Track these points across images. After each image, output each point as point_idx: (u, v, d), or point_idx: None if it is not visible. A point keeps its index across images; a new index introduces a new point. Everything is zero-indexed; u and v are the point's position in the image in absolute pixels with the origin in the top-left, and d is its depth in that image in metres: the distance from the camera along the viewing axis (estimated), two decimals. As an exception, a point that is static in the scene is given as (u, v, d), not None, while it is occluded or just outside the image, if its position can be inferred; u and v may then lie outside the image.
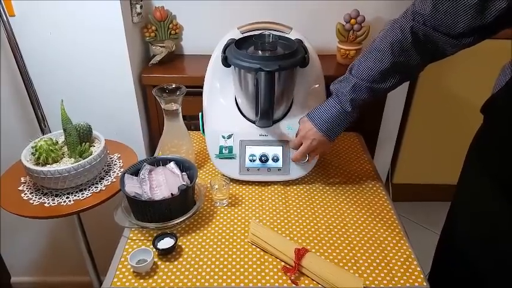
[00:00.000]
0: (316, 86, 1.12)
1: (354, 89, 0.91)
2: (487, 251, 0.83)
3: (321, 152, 1.06)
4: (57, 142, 1.11)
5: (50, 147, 1.05)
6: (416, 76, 0.92)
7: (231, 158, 1.09)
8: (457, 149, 0.92)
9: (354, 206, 1.03)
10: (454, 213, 0.95)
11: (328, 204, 1.04)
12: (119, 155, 1.22)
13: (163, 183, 0.97)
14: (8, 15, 1.16)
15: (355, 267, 0.86)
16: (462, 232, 0.91)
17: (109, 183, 1.11)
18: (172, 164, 1.02)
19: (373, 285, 0.82)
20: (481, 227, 0.84)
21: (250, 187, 1.10)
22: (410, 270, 0.85)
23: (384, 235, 0.94)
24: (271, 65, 0.94)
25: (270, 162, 1.09)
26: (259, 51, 1.02)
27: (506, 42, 1.16)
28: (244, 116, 1.12)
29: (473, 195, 0.87)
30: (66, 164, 1.05)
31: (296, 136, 1.05)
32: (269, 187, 1.10)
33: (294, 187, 1.10)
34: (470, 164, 0.89)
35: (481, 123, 0.86)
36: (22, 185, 1.10)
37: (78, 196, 1.05)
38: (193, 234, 0.94)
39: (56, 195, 1.05)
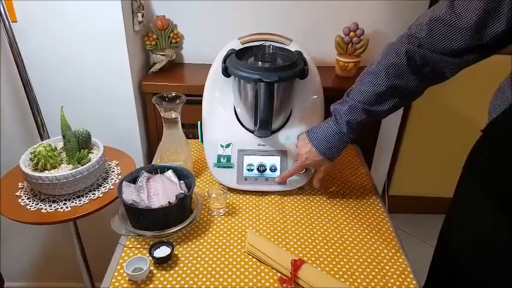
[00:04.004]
0: (315, 97, 1.13)
1: (350, 111, 0.92)
2: (482, 265, 0.84)
3: (320, 172, 1.05)
4: (55, 148, 1.11)
5: (49, 153, 1.05)
6: (417, 98, 0.92)
7: (229, 167, 1.09)
8: (454, 162, 0.93)
9: (351, 218, 1.04)
10: (449, 227, 0.95)
11: (325, 215, 1.04)
12: (117, 162, 1.23)
13: (160, 191, 0.97)
14: (10, 20, 1.16)
15: (351, 279, 0.86)
16: (457, 246, 0.91)
17: (106, 190, 1.11)
18: (170, 172, 1.03)
19: (368, 298, 0.82)
20: (477, 241, 0.85)
21: (248, 197, 1.10)
22: (406, 283, 0.85)
23: (380, 247, 0.94)
24: (270, 76, 0.95)
25: (268, 172, 1.09)
26: (259, 62, 1.03)
27: (503, 56, 1.18)
28: (243, 125, 1.12)
29: (472, 211, 0.87)
30: (65, 170, 1.05)
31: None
32: (266, 197, 1.10)
33: (291, 197, 1.10)
34: (468, 180, 0.89)
35: (477, 139, 0.86)
36: (19, 191, 1.10)
37: (76, 203, 1.05)
38: (190, 243, 0.94)
39: (53, 201, 1.05)
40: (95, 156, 1.11)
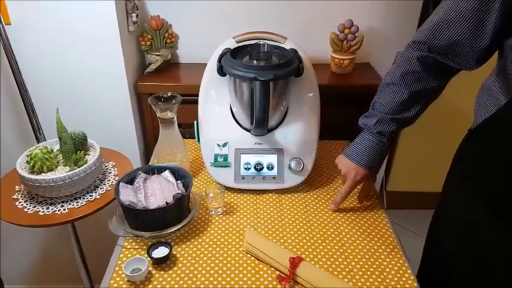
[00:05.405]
0: (311, 94, 1.13)
1: (378, 123, 0.94)
2: (472, 266, 0.84)
3: (368, 186, 1.04)
4: (52, 150, 1.11)
5: (45, 156, 1.05)
6: (440, 94, 0.94)
7: (226, 166, 1.09)
8: (450, 158, 0.93)
9: (348, 215, 1.04)
10: (438, 227, 0.95)
11: (323, 212, 1.05)
12: (114, 163, 1.23)
13: (158, 192, 0.97)
14: (4, 23, 1.16)
15: (349, 276, 0.86)
16: (446, 246, 0.91)
17: (104, 191, 1.11)
18: (167, 173, 1.03)
19: (367, 294, 0.83)
20: (467, 242, 0.85)
21: (245, 195, 1.10)
22: (404, 278, 0.86)
23: (378, 243, 0.95)
24: (266, 75, 0.95)
25: (265, 171, 1.09)
26: (254, 61, 1.03)
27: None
28: (239, 124, 1.12)
29: (460, 211, 0.87)
30: (61, 172, 1.05)
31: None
32: (264, 195, 1.10)
33: (289, 195, 1.10)
34: (455, 178, 0.89)
35: (463, 138, 0.86)
36: (17, 193, 1.09)
37: (73, 205, 1.05)
38: (188, 243, 0.94)
39: (51, 204, 1.05)
40: (91, 157, 1.10)
